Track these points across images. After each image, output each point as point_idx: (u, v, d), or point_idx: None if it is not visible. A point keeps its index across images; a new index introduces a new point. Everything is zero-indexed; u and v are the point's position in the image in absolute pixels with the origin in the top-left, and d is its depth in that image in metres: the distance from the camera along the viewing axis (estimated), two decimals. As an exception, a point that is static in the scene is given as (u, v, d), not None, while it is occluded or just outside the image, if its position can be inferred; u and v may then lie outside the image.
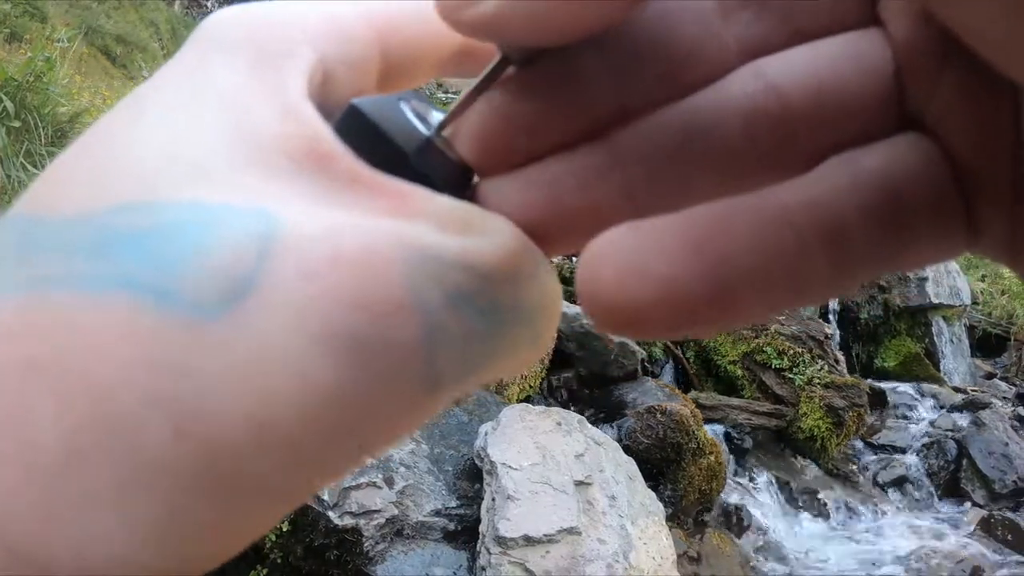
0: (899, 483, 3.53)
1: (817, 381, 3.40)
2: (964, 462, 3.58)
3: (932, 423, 3.89)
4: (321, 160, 0.14)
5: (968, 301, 5.23)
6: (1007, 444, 3.58)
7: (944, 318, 5.05)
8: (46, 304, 0.12)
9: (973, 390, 4.50)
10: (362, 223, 0.14)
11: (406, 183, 0.15)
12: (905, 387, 4.29)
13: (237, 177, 0.14)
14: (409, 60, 0.17)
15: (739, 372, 3.54)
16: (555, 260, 0.19)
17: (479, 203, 0.16)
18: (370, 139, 0.16)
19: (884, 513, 3.31)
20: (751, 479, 3.16)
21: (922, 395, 4.21)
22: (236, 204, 0.13)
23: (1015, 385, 5.04)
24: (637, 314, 0.13)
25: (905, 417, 4.02)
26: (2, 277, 0.13)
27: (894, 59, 0.14)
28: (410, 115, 0.16)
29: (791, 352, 3.46)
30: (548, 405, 2.59)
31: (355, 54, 0.17)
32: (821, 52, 0.15)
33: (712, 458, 2.74)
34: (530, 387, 2.84)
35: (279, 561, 1.89)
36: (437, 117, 0.17)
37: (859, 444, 3.71)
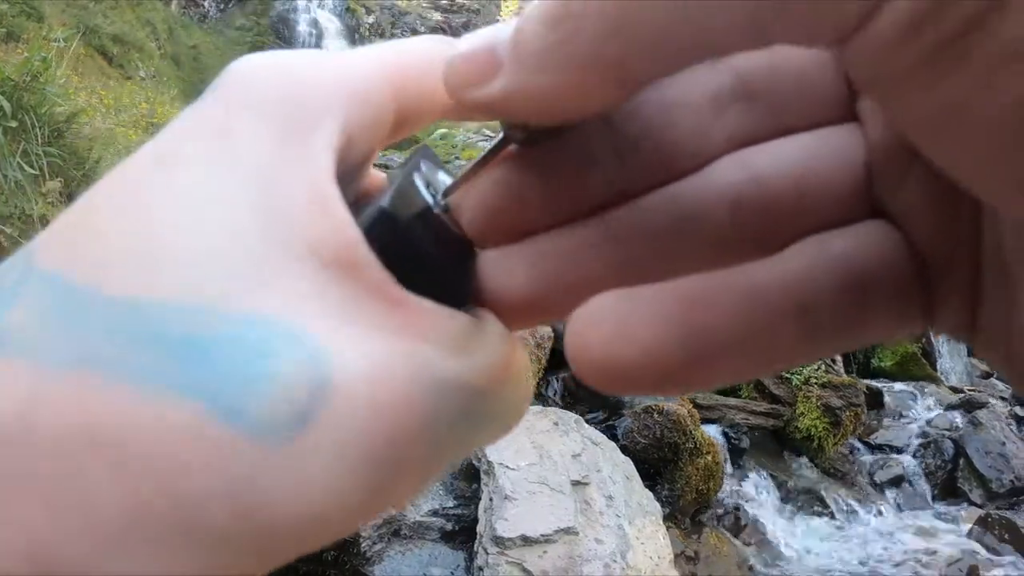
0: (896, 483, 3.54)
1: (814, 381, 3.40)
2: (961, 461, 3.58)
3: (929, 422, 3.89)
4: (352, 270, 0.16)
5: (965, 301, 5.23)
6: (1004, 443, 3.59)
7: (941, 318, 5.06)
8: (104, 392, 0.13)
9: (970, 389, 4.50)
10: (389, 356, 0.15)
11: (419, 300, 0.16)
12: (902, 386, 4.30)
13: (276, 280, 0.15)
14: (418, 112, 0.19)
15: (736, 372, 3.54)
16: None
17: (481, 275, 0.18)
18: (399, 246, 0.17)
19: (881, 513, 3.32)
20: (748, 479, 3.16)
21: (919, 394, 4.21)
22: (286, 324, 0.15)
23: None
24: (622, 375, 0.15)
25: (902, 416, 4.02)
26: (45, 343, 0.14)
27: (866, 153, 0.16)
28: (424, 193, 0.18)
29: (788, 352, 3.46)
30: (545, 405, 2.59)
31: (375, 117, 0.18)
32: (802, 145, 0.16)
33: (709, 458, 2.74)
34: (527, 387, 2.84)
35: (276, 561, 1.88)
36: (444, 180, 0.18)
37: (856, 444, 3.72)
